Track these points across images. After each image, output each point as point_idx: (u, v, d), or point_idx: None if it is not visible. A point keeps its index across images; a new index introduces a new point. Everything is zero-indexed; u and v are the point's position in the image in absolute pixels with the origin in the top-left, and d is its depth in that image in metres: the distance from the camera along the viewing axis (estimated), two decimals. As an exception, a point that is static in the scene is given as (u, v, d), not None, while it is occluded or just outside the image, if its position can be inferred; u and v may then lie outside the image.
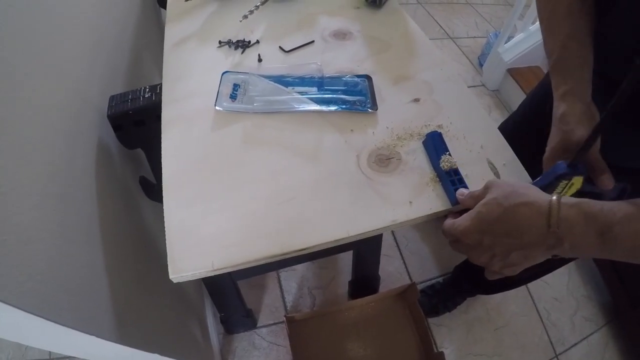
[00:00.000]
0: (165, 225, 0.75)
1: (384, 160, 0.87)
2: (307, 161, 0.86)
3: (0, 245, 0.54)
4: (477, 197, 0.69)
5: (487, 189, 0.67)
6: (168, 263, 0.71)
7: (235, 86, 1.00)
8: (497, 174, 0.87)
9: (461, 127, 0.95)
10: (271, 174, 0.84)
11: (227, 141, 0.90)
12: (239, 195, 0.80)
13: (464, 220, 0.66)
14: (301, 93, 0.99)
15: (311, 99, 0.98)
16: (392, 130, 0.93)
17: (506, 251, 0.62)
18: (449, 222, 0.70)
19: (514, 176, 0.87)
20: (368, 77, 1.04)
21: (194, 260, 0.71)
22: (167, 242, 0.73)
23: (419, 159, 0.88)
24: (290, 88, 1.01)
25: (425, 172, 0.85)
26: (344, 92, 1.00)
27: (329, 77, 1.04)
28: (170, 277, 0.70)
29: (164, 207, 0.78)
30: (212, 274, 0.72)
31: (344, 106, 0.97)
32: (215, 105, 0.95)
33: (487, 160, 0.89)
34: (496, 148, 0.92)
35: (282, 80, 1.03)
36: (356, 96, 0.99)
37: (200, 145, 0.89)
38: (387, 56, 1.13)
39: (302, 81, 1.03)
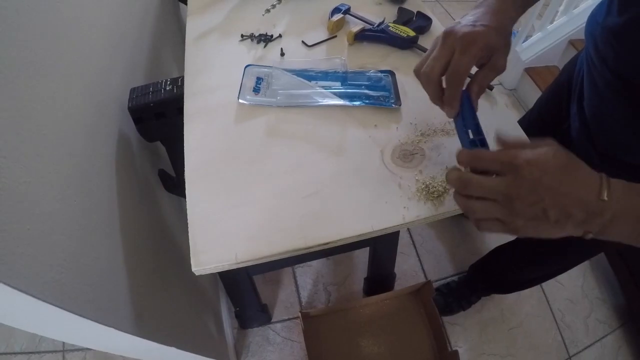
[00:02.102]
0: (188, 217, 0.75)
1: (407, 155, 0.86)
2: (330, 155, 0.86)
3: (23, 235, 0.54)
4: (528, 145, 0.62)
5: (545, 143, 0.60)
6: (191, 255, 0.71)
7: (259, 79, 1.00)
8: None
9: (483, 123, 0.93)
10: (295, 167, 0.84)
11: (251, 134, 0.90)
12: (263, 188, 0.80)
13: (538, 151, 0.59)
14: (325, 87, 0.99)
15: (335, 93, 0.98)
16: (416, 126, 0.92)
17: (553, 202, 0.57)
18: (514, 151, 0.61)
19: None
20: (391, 73, 1.04)
21: (216, 253, 0.71)
22: (189, 234, 0.73)
23: (442, 154, 0.87)
24: (313, 82, 1.00)
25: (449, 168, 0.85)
26: (368, 87, 1.00)
27: (353, 72, 1.04)
28: (193, 269, 0.70)
29: (187, 200, 0.78)
30: (235, 266, 0.71)
31: (367, 101, 0.96)
32: (238, 99, 0.95)
33: (510, 157, 0.88)
34: (518, 144, 0.91)
35: (305, 75, 1.02)
36: (380, 91, 0.99)
37: (223, 138, 0.89)
38: (409, 52, 1.12)
39: (326, 75, 1.03)
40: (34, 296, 0.52)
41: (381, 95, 0.98)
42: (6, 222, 0.51)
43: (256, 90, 0.98)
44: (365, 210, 0.77)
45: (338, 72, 1.03)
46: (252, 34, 1.13)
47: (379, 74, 1.03)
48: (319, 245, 0.73)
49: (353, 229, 0.75)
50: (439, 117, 0.94)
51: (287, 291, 1.94)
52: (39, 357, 1.74)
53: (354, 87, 1.00)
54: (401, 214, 0.77)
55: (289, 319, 1.85)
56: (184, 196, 0.79)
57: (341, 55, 1.08)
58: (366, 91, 0.99)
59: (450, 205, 0.79)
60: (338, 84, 1.01)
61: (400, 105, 0.96)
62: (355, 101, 0.96)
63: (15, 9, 0.61)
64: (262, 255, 0.71)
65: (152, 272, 1.03)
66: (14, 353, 1.74)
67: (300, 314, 1.60)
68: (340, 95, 0.97)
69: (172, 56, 1.61)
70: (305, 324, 1.59)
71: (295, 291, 1.94)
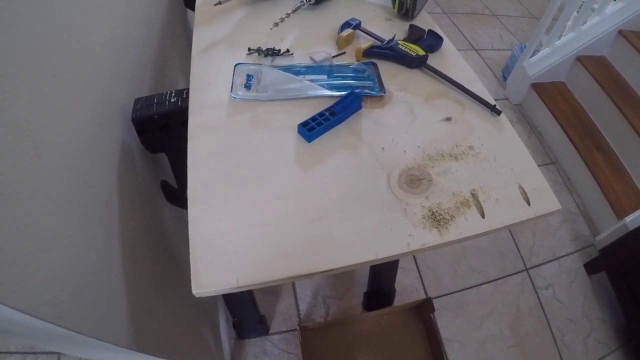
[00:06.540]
0: (190, 238, 0.74)
1: (414, 181, 0.85)
2: (337, 178, 0.85)
3: (21, 253, 0.53)
4: None
5: None
6: (191, 278, 0.69)
7: (249, 77, 1.03)
8: (527, 200, 0.85)
9: (492, 149, 0.93)
10: (300, 189, 0.82)
11: (257, 154, 0.88)
12: (267, 210, 0.79)
13: None
14: (312, 81, 1.04)
15: (322, 85, 1.02)
16: (424, 149, 0.91)
17: None
18: None
19: (543, 202, 0.85)
20: (374, 64, 1.09)
21: (218, 276, 0.70)
22: (191, 256, 0.72)
23: (450, 180, 0.86)
24: (301, 77, 1.04)
25: (456, 195, 0.83)
26: (353, 78, 1.05)
27: (338, 65, 1.09)
28: (194, 292, 0.68)
29: (189, 220, 0.76)
30: (236, 290, 0.70)
31: (355, 90, 1.00)
32: (231, 94, 0.98)
33: (518, 184, 0.87)
34: (526, 171, 0.90)
35: (292, 70, 1.07)
36: (364, 81, 1.04)
37: (228, 157, 0.87)
38: (418, 71, 1.11)
39: (312, 70, 1.07)
40: (32, 315, 0.52)
41: (366, 85, 1.03)
42: (3, 240, 0.50)
43: (247, 86, 1.00)
44: (370, 237, 0.76)
45: (324, 65, 1.08)
46: (260, 47, 1.11)
47: (362, 65, 1.09)
48: (322, 272, 0.72)
49: (357, 256, 0.73)
50: (447, 141, 0.93)
51: (286, 303, 1.93)
52: (35, 358, 1.72)
53: (340, 78, 1.05)
54: (406, 241, 0.76)
55: (286, 331, 1.84)
56: (186, 208, 0.78)
57: (325, 49, 1.13)
58: (351, 82, 1.04)
59: (456, 234, 0.78)
60: (324, 76, 1.05)
61: (384, 93, 1.01)
62: (341, 91, 1.00)
63: (15, 16, 0.60)
64: (264, 280, 0.70)
65: (151, 284, 1.01)
66: (10, 352, 1.73)
67: (298, 327, 1.59)
68: (328, 87, 1.02)
69: (179, 63, 1.59)
70: (303, 338, 1.58)
71: (294, 303, 1.93)
